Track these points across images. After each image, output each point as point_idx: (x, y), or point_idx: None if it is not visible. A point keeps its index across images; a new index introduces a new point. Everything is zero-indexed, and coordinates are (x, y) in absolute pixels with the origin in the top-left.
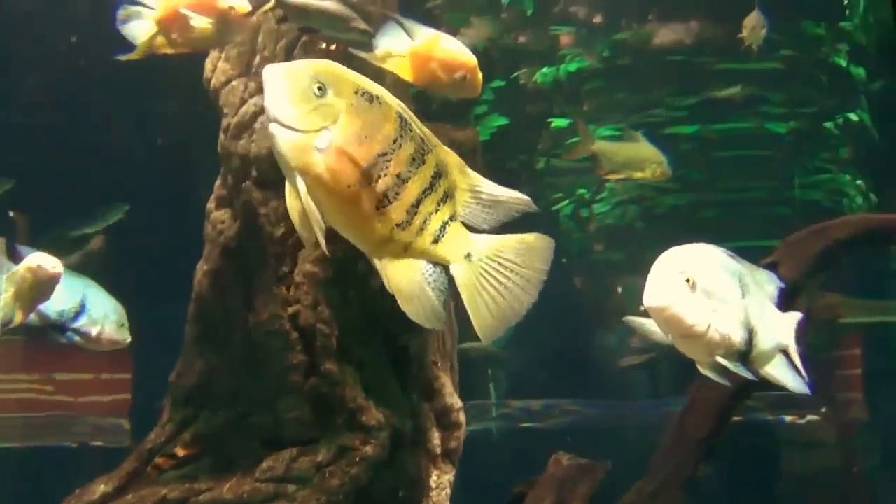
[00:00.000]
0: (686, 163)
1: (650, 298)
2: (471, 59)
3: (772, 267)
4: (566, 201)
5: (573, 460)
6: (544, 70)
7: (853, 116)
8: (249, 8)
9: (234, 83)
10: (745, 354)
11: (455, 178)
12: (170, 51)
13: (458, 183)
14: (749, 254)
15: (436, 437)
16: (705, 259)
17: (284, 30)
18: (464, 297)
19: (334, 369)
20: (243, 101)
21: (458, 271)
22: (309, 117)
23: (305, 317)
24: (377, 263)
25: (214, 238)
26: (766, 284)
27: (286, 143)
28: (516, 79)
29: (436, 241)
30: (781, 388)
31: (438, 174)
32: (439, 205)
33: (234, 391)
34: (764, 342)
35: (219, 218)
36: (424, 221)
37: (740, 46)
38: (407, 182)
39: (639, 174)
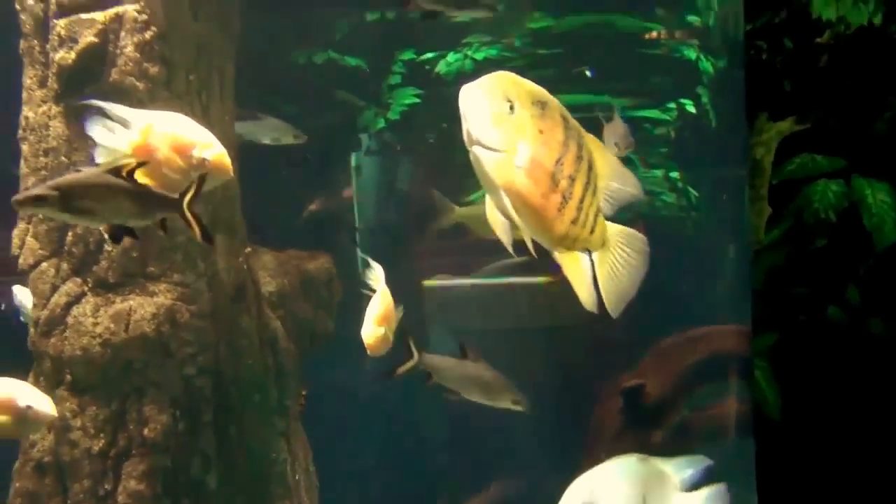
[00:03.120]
0: None
1: None
2: (204, 135)
3: (638, 389)
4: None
5: None
6: (449, 58)
7: (690, 108)
8: (53, 412)
9: (43, 266)
10: None
11: (597, 167)
12: None
13: (599, 170)
14: None
15: None
16: (608, 485)
17: None
18: (600, 276)
19: None
20: (54, 289)
21: (599, 257)
22: (507, 136)
23: None
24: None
25: (27, 449)
26: (680, 472)
27: (492, 164)
28: (425, 61)
29: (592, 231)
30: None
31: (590, 166)
32: (593, 197)
33: None
34: None
35: None
36: (587, 215)
37: None
38: (575, 181)
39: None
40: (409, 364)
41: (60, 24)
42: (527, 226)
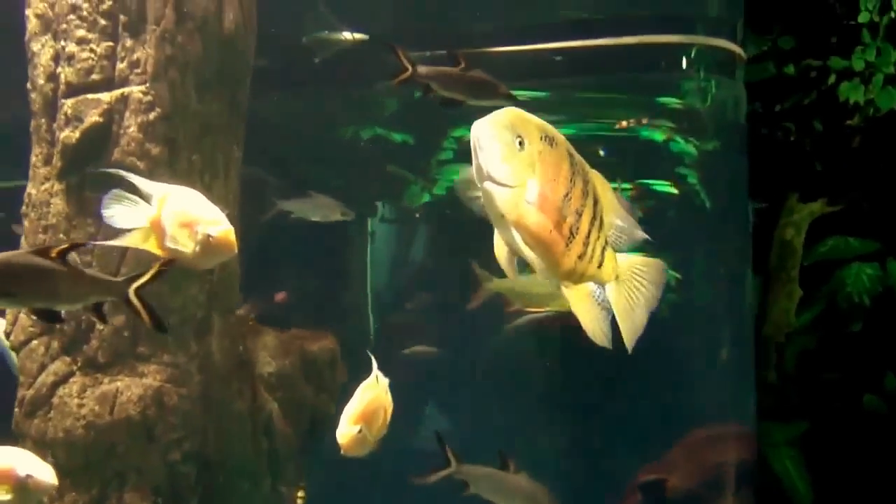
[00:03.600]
0: None
1: None
2: (210, 211)
3: (658, 483)
4: None
5: None
6: None
7: (667, 188)
8: (54, 481)
9: (33, 343)
10: None
11: (602, 202)
12: None
13: (604, 206)
14: None
15: None
16: None
17: None
18: (617, 310)
19: None
20: (42, 368)
21: (611, 290)
22: (517, 172)
23: None
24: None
25: None
26: None
27: (503, 200)
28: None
29: (599, 265)
30: None
31: (596, 201)
32: (599, 232)
33: None
34: None
35: None
36: (593, 249)
37: None
38: (582, 216)
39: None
40: (446, 472)
41: (68, 104)
42: (536, 260)
